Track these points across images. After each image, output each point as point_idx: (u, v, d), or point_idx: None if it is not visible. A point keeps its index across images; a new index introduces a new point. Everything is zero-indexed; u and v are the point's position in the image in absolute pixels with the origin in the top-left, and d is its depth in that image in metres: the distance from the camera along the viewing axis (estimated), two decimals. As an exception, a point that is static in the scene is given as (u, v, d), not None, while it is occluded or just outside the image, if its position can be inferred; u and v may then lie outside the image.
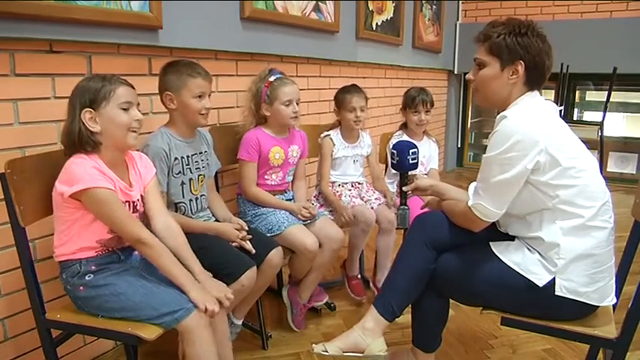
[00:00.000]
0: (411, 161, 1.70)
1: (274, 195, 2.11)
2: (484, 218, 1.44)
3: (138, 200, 1.47)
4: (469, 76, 1.56)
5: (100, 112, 1.35)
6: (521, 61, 1.43)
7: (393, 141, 2.53)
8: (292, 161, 2.15)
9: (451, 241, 1.56)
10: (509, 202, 1.42)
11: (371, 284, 2.51)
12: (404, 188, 1.70)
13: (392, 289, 1.61)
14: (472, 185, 1.49)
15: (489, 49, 1.47)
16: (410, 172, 1.72)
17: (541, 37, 1.44)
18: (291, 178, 2.18)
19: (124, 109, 1.37)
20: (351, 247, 2.37)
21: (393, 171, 1.92)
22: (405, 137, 2.54)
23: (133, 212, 1.44)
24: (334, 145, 2.37)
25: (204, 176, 1.86)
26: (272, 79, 2.03)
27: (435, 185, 1.71)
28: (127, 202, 1.42)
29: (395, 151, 1.71)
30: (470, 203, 1.45)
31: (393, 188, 2.54)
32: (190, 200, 1.81)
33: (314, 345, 1.61)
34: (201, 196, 1.86)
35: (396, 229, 2.34)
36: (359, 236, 2.29)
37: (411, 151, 1.68)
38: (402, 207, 1.74)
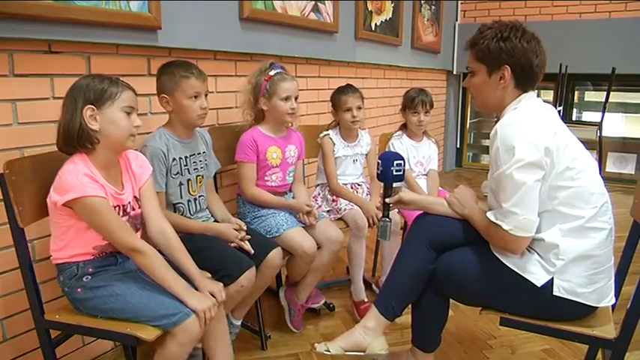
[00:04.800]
0: (394, 172, 1.63)
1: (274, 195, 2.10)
2: (528, 234, 1.37)
3: (129, 203, 1.45)
4: (464, 83, 1.57)
5: (102, 111, 1.34)
6: (507, 66, 1.44)
7: (393, 141, 2.54)
8: (291, 161, 2.15)
9: (451, 241, 1.56)
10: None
11: (374, 286, 2.51)
12: (387, 200, 1.65)
13: (392, 289, 1.62)
14: (490, 214, 1.43)
15: (476, 56, 1.49)
16: (394, 184, 1.66)
17: (526, 37, 1.43)
18: (291, 179, 2.18)
19: (127, 113, 1.37)
20: (351, 262, 2.27)
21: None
22: (405, 138, 2.55)
23: (124, 215, 1.43)
24: (334, 144, 2.36)
25: (202, 177, 1.86)
26: (272, 73, 2.02)
27: (418, 201, 1.68)
28: (116, 206, 1.41)
29: (379, 162, 1.65)
30: (507, 228, 1.37)
31: None
32: (189, 201, 1.81)
33: (316, 344, 1.62)
34: (199, 196, 1.85)
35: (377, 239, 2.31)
36: (353, 244, 2.25)
37: (395, 162, 1.62)
38: (383, 219, 1.67)
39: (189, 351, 1.38)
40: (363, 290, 2.30)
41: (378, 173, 1.68)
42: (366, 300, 2.30)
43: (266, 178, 2.09)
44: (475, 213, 1.53)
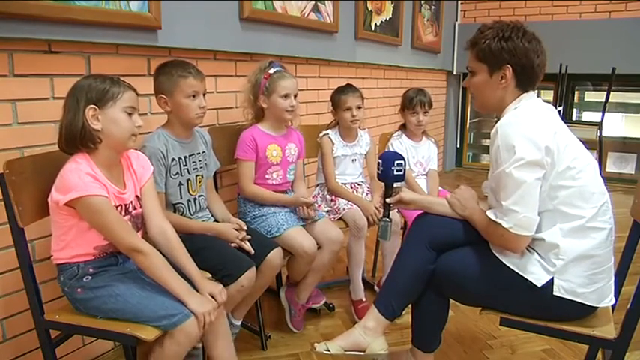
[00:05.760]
0: (395, 172, 1.63)
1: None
2: (527, 233, 1.37)
3: (131, 202, 1.46)
4: (464, 83, 1.57)
5: (104, 111, 1.34)
6: (508, 65, 1.44)
7: (392, 141, 2.54)
8: (291, 159, 2.15)
9: (451, 241, 1.56)
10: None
11: (375, 287, 2.52)
12: (387, 200, 1.65)
13: (392, 289, 1.62)
14: (490, 212, 1.43)
15: (477, 55, 1.49)
16: (395, 184, 1.66)
17: (527, 37, 1.44)
18: (292, 177, 2.18)
19: (128, 114, 1.37)
20: (350, 262, 2.29)
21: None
22: (404, 138, 2.55)
23: (125, 215, 1.43)
24: (333, 144, 2.37)
25: (202, 177, 1.86)
26: (272, 71, 2.03)
27: (418, 201, 1.67)
28: (118, 206, 1.41)
29: (380, 161, 1.66)
30: (508, 226, 1.37)
31: None
32: (188, 201, 1.81)
33: (316, 344, 1.62)
34: (199, 196, 1.85)
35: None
36: (353, 244, 2.25)
37: (396, 162, 1.62)
38: (383, 219, 1.66)
39: (187, 351, 1.39)
40: (361, 289, 2.31)
41: (378, 173, 1.68)
42: (364, 299, 2.30)
43: (267, 176, 2.09)
44: (476, 214, 1.53)
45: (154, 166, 1.62)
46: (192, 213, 1.83)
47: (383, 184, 1.68)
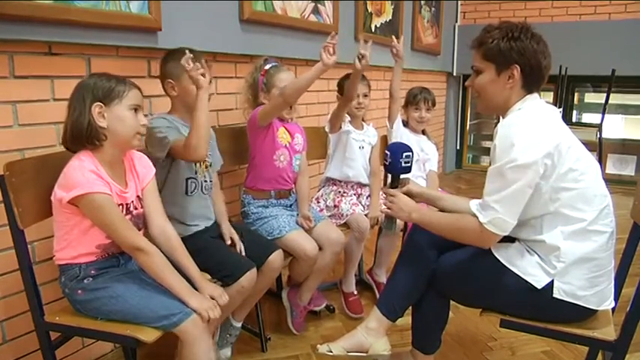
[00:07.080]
0: (403, 164, 1.63)
1: (279, 193, 2.08)
2: (500, 233, 1.38)
3: (132, 202, 1.46)
4: (467, 83, 1.56)
5: (110, 108, 1.35)
6: (517, 65, 1.43)
7: (394, 125, 2.53)
8: (298, 148, 2.12)
9: (451, 242, 1.56)
10: (521, 210, 1.38)
11: (366, 275, 2.58)
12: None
13: (394, 290, 1.63)
14: (474, 202, 1.44)
15: (484, 55, 1.48)
16: (402, 176, 1.66)
17: (535, 38, 1.44)
18: (297, 168, 2.13)
19: (134, 111, 1.38)
20: (347, 259, 2.34)
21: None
22: (404, 128, 2.57)
23: (127, 214, 1.43)
24: (344, 122, 2.36)
25: (209, 163, 1.84)
26: (267, 67, 2.04)
27: (425, 193, 1.68)
28: (120, 204, 1.41)
29: (388, 152, 1.65)
30: (483, 220, 1.38)
31: None
32: (200, 181, 1.79)
33: (318, 345, 1.64)
34: (204, 181, 1.83)
35: (381, 230, 2.39)
36: (353, 245, 2.27)
37: (404, 153, 1.62)
38: None
39: (207, 348, 1.37)
40: (353, 283, 2.40)
41: (385, 164, 1.67)
42: (355, 292, 2.37)
43: (274, 157, 2.05)
44: (428, 213, 1.53)
45: (168, 130, 1.61)
46: (204, 192, 1.81)
47: (389, 175, 1.68)
